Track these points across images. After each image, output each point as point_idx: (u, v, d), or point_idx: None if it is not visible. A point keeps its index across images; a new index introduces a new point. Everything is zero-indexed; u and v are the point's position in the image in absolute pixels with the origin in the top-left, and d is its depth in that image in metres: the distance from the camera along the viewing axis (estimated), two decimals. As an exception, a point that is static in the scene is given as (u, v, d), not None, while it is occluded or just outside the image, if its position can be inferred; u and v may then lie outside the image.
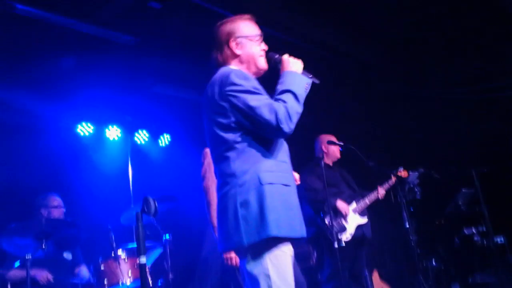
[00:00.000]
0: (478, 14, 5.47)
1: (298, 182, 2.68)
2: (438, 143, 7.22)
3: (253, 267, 2.22)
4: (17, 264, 4.06)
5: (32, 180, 4.99)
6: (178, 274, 4.83)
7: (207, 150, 3.47)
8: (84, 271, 4.66)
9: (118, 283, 4.15)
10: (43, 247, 3.74)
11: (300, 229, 2.30)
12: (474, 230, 6.23)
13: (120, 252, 4.26)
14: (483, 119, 6.89)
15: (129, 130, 6.26)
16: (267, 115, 2.22)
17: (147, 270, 4.19)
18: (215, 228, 2.93)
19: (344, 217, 4.76)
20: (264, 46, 2.55)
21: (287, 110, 2.24)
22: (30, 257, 3.72)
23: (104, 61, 5.17)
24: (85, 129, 5.84)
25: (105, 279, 4.15)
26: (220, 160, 2.33)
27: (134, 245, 4.25)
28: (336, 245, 4.35)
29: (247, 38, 2.50)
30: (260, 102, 2.26)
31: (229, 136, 2.29)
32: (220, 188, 2.33)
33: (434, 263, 6.48)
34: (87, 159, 5.81)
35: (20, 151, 5.17)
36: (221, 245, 2.31)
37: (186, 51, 5.21)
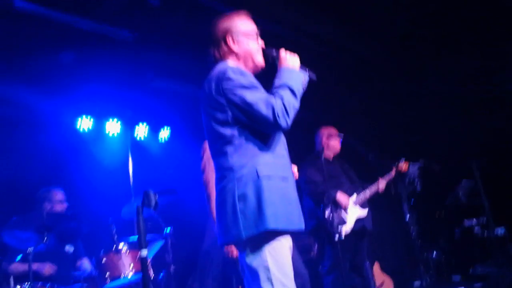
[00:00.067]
0: (477, 9, 5.46)
1: (297, 175, 2.68)
2: (438, 135, 7.21)
3: (252, 260, 2.24)
4: (19, 257, 4.07)
5: (32, 174, 5.01)
6: (180, 267, 4.85)
7: (207, 144, 3.48)
8: (86, 264, 4.68)
9: (120, 276, 4.16)
10: (45, 240, 3.75)
11: (298, 222, 2.31)
12: (474, 222, 6.24)
13: (121, 245, 4.27)
14: (482, 111, 6.89)
15: (129, 125, 6.27)
16: (264, 110, 2.24)
17: (148, 263, 4.21)
18: (215, 221, 2.94)
19: (344, 209, 4.77)
20: (261, 42, 2.56)
21: (284, 105, 2.25)
22: (32, 250, 3.73)
23: (103, 56, 5.17)
24: (85, 123, 5.84)
25: (107, 272, 4.15)
26: (218, 154, 2.35)
27: (136, 238, 4.27)
28: (336, 238, 4.36)
29: (244, 35, 2.51)
30: (257, 97, 2.27)
31: (227, 131, 2.31)
32: (218, 182, 2.34)
33: (434, 255, 6.50)
34: (87, 154, 5.82)
35: (20, 146, 5.19)
36: (220, 238, 2.33)
37: (184, 46, 5.21)
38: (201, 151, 3.75)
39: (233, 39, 2.50)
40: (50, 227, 3.80)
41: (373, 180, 5.00)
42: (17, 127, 5.25)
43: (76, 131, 5.78)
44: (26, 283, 3.78)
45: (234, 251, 3.36)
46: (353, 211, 4.81)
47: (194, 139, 4.55)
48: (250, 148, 2.28)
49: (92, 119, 5.88)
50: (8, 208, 4.53)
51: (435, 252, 6.57)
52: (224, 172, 2.30)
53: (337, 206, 4.76)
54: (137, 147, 6.25)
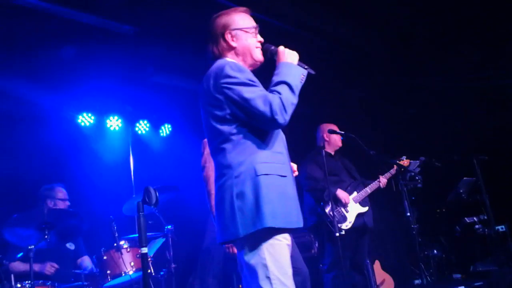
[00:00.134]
0: (478, 6, 5.44)
1: (296, 173, 2.67)
2: (439, 132, 7.21)
3: (250, 258, 2.23)
4: (20, 255, 4.05)
5: (33, 171, 5.01)
6: (181, 264, 4.86)
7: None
8: (86, 262, 4.68)
9: (121, 273, 4.16)
10: (46, 237, 3.74)
11: (296, 220, 2.31)
12: (475, 219, 6.23)
13: (122, 242, 4.27)
14: (484, 107, 6.88)
15: (130, 121, 6.26)
16: (261, 106, 2.23)
17: (149, 260, 4.21)
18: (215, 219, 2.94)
19: (344, 206, 4.77)
20: (260, 38, 2.55)
21: (281, 101, 2.25)
22: (33, 247, 3.72)
23: (104, 51, 5.16)
24: (86, 119, 5.84)
25: (108, 270, 4.16)
26: (217, 152, 2.35)
27: (136, 235, 4.26)
28: (337, 234, 4.35)
29: (242, 30, 2.50)
30: (254, 94, 2.26)
31: (225, 128, 2.30)
32: (217, 179, 2.34)
33: (435, 252, 6.50)
34: (88, 150, 5.82)
35: (21, 142, 5.18)
36: (219, 236, 2.33)
37: (186, 40, 5.20)
38: (201, 147, 3.75)
39: (231, 35, 2.49)
40: (52, 225, 3.78)
41: (374, 177, 5.00)
42: (18, 122, 5.24)
43: (77, 127, 5.78)
44: (27, 281, 3.77)
45: (234, 247, 3.35)
46: (353, 208, 4.81)
47: (195, 135, 4.54)
48: (248, 145, 2.28)
49: (93, 116, 5.88)
50: (9, 204, 4.52)
51: (435, 249, 6.56)
52: (222, 169, 2.30)
53: (338, 203, 4.75)
54: (138, 143, 6.24)
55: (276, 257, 2.21)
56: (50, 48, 4.93)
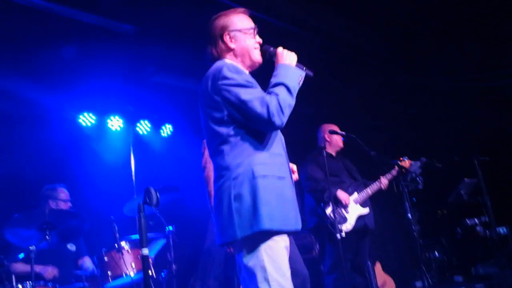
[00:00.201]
0: (480, 3, 5.42)
1: (296, 174, 2.66)
2: (440, 132, 7.19)
3: (248, 260, 2.23)
4: (21, 255, 4.05)
5: (34, 171, 5.00)
6: (182, 265, 4.85)
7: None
8: (87, 263, 4.67)
9: (122, 274, 4.14)
10: (47, 238, 3.73)
11: (294, 223, 2.30)
12: (476, 221, 6.21)
13: (123, 243, 4.25)
14: (485, 108, 6.86)
15: (131, 121, 6.25)
16: (258, 108, 2.23)
17: (150, 261, 4.20)
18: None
19: (345, 207, 4.75)
20: (258, 39, 2.55)
21: (279, 103, 2.25)
22: (34, 248, 3.71)
23: (105, 50, 5.15)
24: (87, 119, 5.83)
25: (109, 270, 4.15)
26: (215, 153, 2.35)
27: (138, 236, 4.24)
28: (338, 236, 4.34)
29: (241, 32, 2.50)
30: (252, 95, 2.27)
31: (223, 129, 2.31)
32: (215, 181, 2.34)
33: (436, 254, 6.48)
34: (89, 150, 5.81)
35: (22, 142, 5.17)
36: (218, 237, 2.33)
37: (187, 40, 5.19)
38: (202, 148, 3.74)
39: (230, 37, 2.50)
40: (53, 225, 3.77)
41: (375, 177, 4.99)
42: (19, 122, 5.23)
43: (78, 127, 5.77)
44: (28, 282, 3.77)
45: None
46: (354, 209, 4.79)
47: (197, 135, 4.52)
48: (246, 147, 2.28)
49: (94, 116, 5.87)
50: (10, 205, 4.51)
51: (437, 252, 6.55)
52: (221, 171, 2.31)
53: (338, 204, 4.74)
54: (139, 143, 6.23)
55: (274, 259, 2.21)
56: (51, 48, 4.92)
